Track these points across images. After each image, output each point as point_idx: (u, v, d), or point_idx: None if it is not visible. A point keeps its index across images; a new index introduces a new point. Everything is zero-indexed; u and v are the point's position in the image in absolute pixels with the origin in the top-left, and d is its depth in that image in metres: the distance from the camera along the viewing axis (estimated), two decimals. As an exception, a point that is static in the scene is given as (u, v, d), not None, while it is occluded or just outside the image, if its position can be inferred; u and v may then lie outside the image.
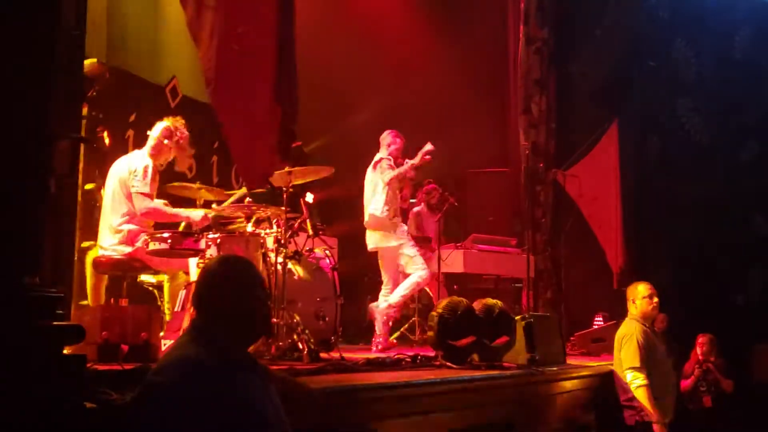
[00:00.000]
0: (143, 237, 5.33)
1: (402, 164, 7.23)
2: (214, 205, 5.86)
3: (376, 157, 7.32)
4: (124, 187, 5.48)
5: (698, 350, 7.78)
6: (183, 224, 5.80)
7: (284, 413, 2.80)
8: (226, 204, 5.96)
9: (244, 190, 6.10)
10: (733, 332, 8.26)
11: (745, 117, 10.07)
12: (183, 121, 5.78)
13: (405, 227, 7.42)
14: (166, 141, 5.64)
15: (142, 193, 5.44)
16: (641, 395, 5.78)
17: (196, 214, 5.61)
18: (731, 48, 10.50)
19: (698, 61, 10.51)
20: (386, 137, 7.39)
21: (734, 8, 10.59)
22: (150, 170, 5.50)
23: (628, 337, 5.95)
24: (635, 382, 5.82)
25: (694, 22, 10.39)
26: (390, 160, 7.24)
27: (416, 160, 7.15)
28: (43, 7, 3.12)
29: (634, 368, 5.84)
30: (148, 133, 5.72)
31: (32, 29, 3.05)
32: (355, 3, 9.91)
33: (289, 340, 5.25)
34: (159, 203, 5.60)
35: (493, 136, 10.56)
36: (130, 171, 5.50)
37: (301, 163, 6.14)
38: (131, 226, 5.44)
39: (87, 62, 4.60)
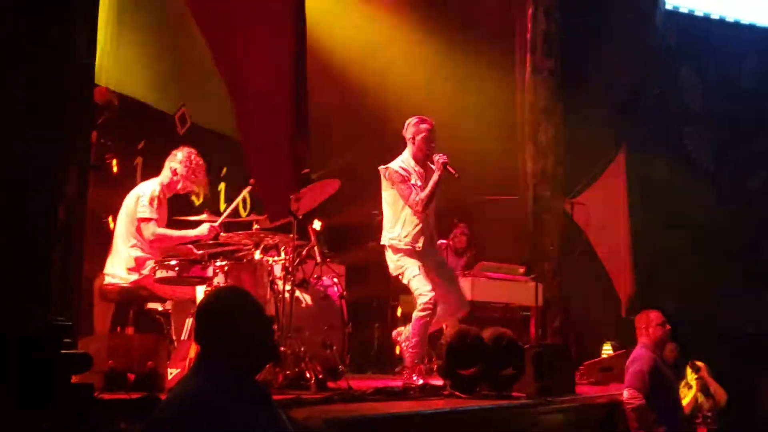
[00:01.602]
0: (150, 264, 5.30)
1: (431, 159, 5.80)
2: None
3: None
4: (132, 215, 5.47)
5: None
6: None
7: None
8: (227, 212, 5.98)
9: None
10: (742, 362, 8.19)
11: (753, 145, 10.08)
12: (195, 151, 5.77)
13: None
14: (179, 170, 5.63)
15: (146, 219, 5.42)
16: (633, 415, 5.77)
17: (202, 229, 5.59)
18: (737, 76, 10.54)
19: (704, 89, 10.55)
20: (409, 128, 5.91)
21: (740, 37, 10.66)
22: (156, 197, 5.49)
23: (637, 361, 5.96)
24: (631, 401, 5.81)
25: (700, 49, 10.45)
26: (404, 169, 5.81)
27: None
28: (56, 37, 3.14)
29: (633, 387, 5.84)
30: (165, 163, 5.70)
31: (45, 58, 3.06)
32: (361, 30, 9.94)
33: (297, 369, 5.21)
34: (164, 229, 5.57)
35: (500, 164, 10.53)
36: (138, 197, 5.49)
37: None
38: (138, 254, 5.42)
39: (96, 89, 4.60)
